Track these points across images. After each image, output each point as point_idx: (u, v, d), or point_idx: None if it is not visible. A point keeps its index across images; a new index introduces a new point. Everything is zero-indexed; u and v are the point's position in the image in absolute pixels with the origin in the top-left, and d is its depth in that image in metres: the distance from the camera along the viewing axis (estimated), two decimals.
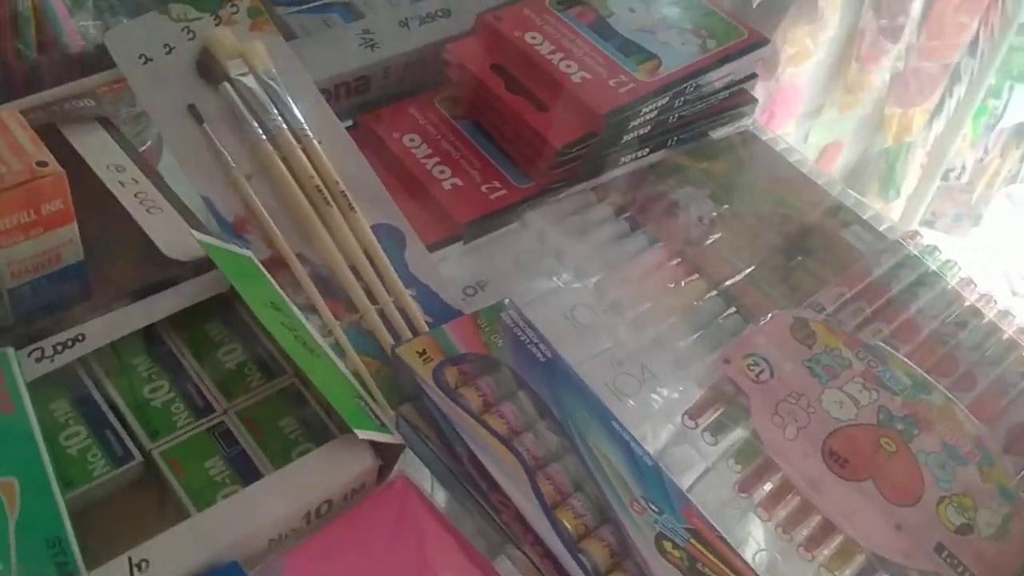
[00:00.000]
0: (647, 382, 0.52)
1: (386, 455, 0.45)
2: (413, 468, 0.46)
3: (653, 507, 0.43)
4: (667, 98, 0.61)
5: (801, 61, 1.26)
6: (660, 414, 0.51)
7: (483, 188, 0.60)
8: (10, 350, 0.43)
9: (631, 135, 0.62)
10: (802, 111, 1.38)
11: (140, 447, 0.45)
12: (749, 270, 0.58)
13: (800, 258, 0.60)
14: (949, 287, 0.59)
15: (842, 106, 1.43)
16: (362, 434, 0.42)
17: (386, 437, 0.43)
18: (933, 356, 0.55)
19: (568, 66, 0.61)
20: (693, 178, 0.63)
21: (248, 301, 0.46)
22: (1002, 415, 0.53)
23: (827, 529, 0.47)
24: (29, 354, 0.45)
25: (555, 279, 0.57)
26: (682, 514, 0.43)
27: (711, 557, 0.42)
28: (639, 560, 0.41)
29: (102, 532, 0.42)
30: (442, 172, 0.60)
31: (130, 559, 0.38)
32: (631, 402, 0.51)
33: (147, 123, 0.63)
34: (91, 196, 0.51)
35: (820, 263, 0.59)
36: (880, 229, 0.62)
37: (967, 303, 0.58)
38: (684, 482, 0.47)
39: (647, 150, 0.64)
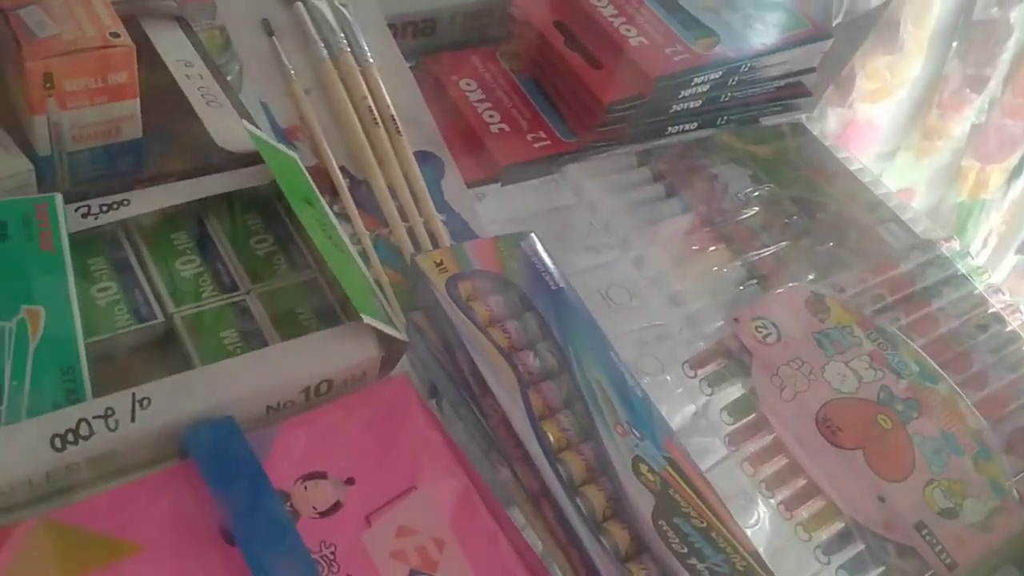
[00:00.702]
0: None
1: (390, 352, 0.46)
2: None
3: (635, 432, 0.44)
4: (720, 74, 0.62)
5: (880, 98, 1.26)
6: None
7: (528, 136, 0.62)
8: (59, 196, 0.46)
9: (680, 106, 0.63)
10: (878, 150, 1.37)
11: (164, 310, 0.47)
12: (777, 247, 0.59)
13: (831, 244, 0.60)
14: (976, 291, 0.58)
15: (918, 152, 1.41)
16: (368, 320, 0.44)
17: (391, 330, 0.45)
18: (948, 352, 0.55)
19: (627, 30, 0.62)
20: (737, 157, 0.64)
21: (287, 194, 0.48)
22: (1008, 417, 0.53)
23: (810, 491, 0.47)
24: (76, 209, 0.48)
25: (587, 231, 0.58)
26: (663, 444, 0.44)
27: (684, 486, 0.43)
28: (613, 477, 0.42)
29: (114, 377, 0.45)
30: (491, 117, 0.62)
31: (134, 395, 0.41)
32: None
33: (231, 56, 0.67)
34: (157, 83, 0.55)
35: (850, 252, 0.60)
36: (917, 231, 0.63)
37: (992, 309, 0.58)
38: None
39: (695, 125, 0.65)
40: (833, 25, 1.02)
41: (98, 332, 0.46)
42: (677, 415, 0.50)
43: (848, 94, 1.16)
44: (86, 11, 0.49)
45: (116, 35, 0.48)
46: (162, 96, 0.55)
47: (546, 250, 0.50)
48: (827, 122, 1.19)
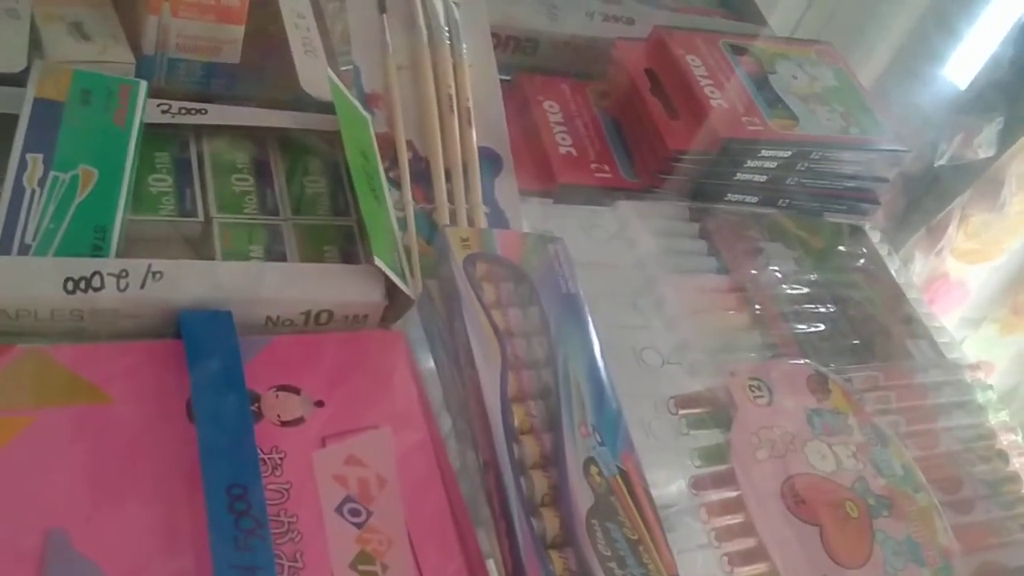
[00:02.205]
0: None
1: (396, 304, 0.48)
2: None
3: (598, 436, 0.45)
4: (790, 154, 0.64)
5: (976, 260, 1.24)
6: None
7: (592, 165, 0.64)
8: (143, 82, 0.50)
9: (745, 176, 0.64)
10: (963, 315, 1.34)
11: (206, 212, 0.51)
12: (800, 330, 0.59)
13: (855, 341, 0.60)
14: (987, 423, 0.57)
15: (1004, 326, 1.38)
16: (379, 263, 0.46)
17: (399, 281, 0.47)
18: (940, 471, 0.54)
19: (712, 92, 0.64)
20: (788, 239, 0.65)
21: (344, 141, 0.52)
22: (985, 551, 0.51)
23: (758, 554, 0.47)
24: (157, 104, 0.52)
25: (616, 258, 0.60)
26: (621, 456, 0.45)
27: (628, 498, 0.43)
28: (562, 468, 0.43)
29: (141, 254, 0.48)
30: (563, 139, 0.65)
31: (150, 266, 0.44)
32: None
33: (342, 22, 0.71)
34: (266, 21, 0.59)
35: (870, 353, 0.60)
36: (949, 356, 0.62)
37: (999, 445, 0.57)
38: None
39: (756, 199, 0.66)
40: (935, 165, 1.02)
41: (141, 212, 0.49)
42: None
43: (938, 241, 1.15)
44: None
45: None
46: (267, 34, 0.59)
47: (570, 260, 0.52)
48: (914, 264, 1.18)
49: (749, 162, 0.63)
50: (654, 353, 0.54)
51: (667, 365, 0.54)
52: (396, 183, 0.57)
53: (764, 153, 0.63)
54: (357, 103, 0.56)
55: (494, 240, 0.52)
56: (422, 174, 0.58)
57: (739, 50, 0.69)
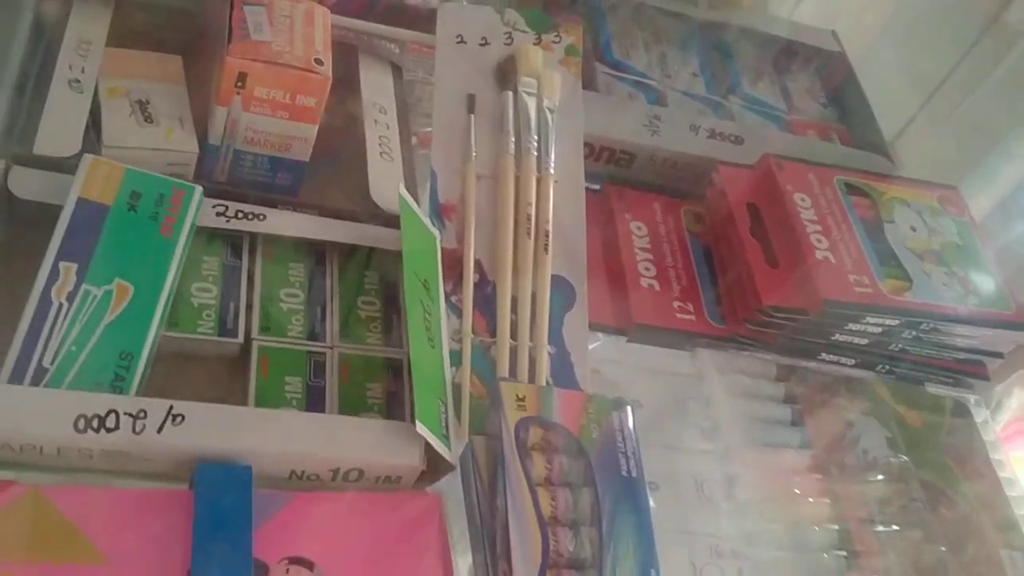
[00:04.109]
0: None
1: (435, 466, 0.44)
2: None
3: None
4: (898, 322, 0.57)
5: None
6: None
7: (675, 304, 0.58)
8: (199, 188, 0.46)
9: (844, 337, 0.58)
10: None
11: (247, 331, 0.47)
12: (885, 529, 0.53)
13: (943, 549, 0.53)
14: None
15: None
16: (421, 429, 0.42)
17: (442, 448, 0.43)
18: None
19: (819, 240, 0.58)
20: (882, 414, 0.58)
21: (404, 267, 0.47)
22: None
23: None
24: (214, 206, 0.48)
25: (690, 422, 0.54)
26: None
27: None
28: None
29: (169, 377, 0.44)
30: (647, 269, 0.59)
31: (171, 408, 0.40)
32: None
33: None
34: (344, 115, 0.55)
35: (959, 566, 0.53)
36: None
37: None
38: None
39: (852, 362, 0.60)
40: None
41: (177, 327, 0.46)
42: None
43: None
44: (305, 30, 0.50)
45: (320, 63, 0.49)
46: (343, 129, 0.55)
47: (636, 429, 0.47)
48: (1010, 400, 1.08)
49: (851, 325, 0.57)
50: (719, 549, 0.48)
51: (733, 558, 0.48)
52: (457, 309, 0.52)
53: (869, 318, 0.56)
54: (427, 221, 0.52)
55: (553, 401, 0.47)
56: (487, 300, 0.53)
57: (854, 189, 0.63)
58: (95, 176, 0.44)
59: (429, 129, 0.64)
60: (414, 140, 0.67)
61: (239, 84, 0.48)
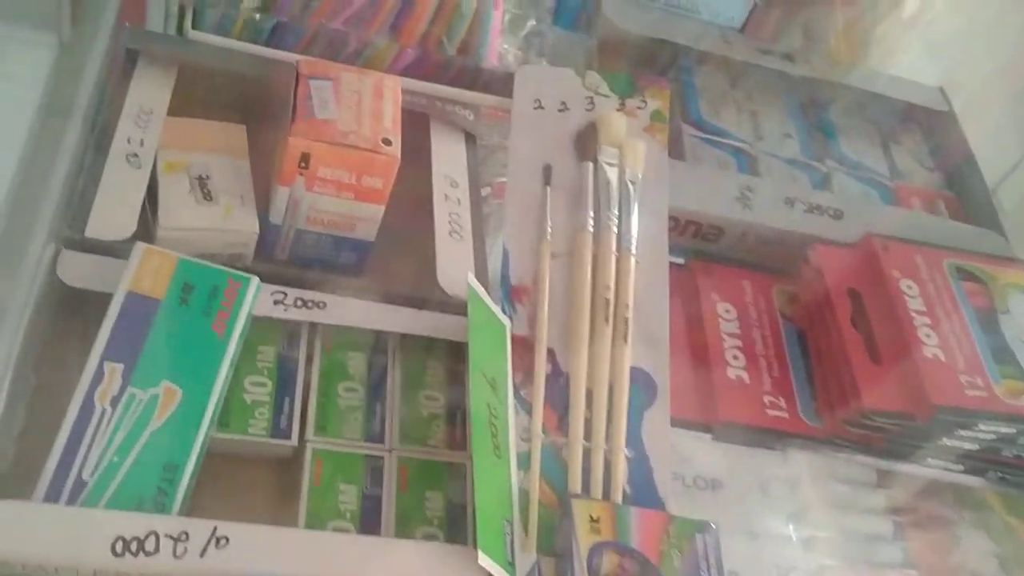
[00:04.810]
0: None
1: None
2: None
3: None
4: (1015, 430, 0.51)
5: None
6: None
7: (766, 398, 0.53)
8: (255, 281, 0.43)
9: (952, 442, 0.52)
10: None
11: (301, 432, 0.43)
12: None
13: None
14: None
15: None
16: (484, 561, 0.38)
17: None
18: None
19: (927, 335, 0.53)
20: (992, 527, 0.53)
21: (471, 366, 0.44)
22: None
23: None
24: (272, 293, 0.45)
25: (777, 528, 0.49)
26: None
27: None
28: None
29: (217, 482, 0.41)
30: (735, 358, 0.55)
31: (215, 529, 0.37)
32: None
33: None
34: (413, 190, 0.52)
35: None
36: None
37: None
38: None
39: (960, 468, 0.54)
40: None
41: (228, 428, 0.43)
42: None
43: None
44: (373, 105, 0.47)
45: (388, 142, 0.46)
46: (412, 205, 0.52)
47: (720, 561, 0.42)
48: None
49: (962, 431, 0.51)
50: None
51: None
52: (527, 404, 0.48)
53: (982, 426, 0.51)
54: (497, 310, 0.48)
55: (631, 522, 0.42)
56: (559, 393, 0.49)
57: (966, 274, 0.57)
58: (147, 267, 0.42)
59: (503, 179, 0.61)
60: (488, 191, 0.64)
61: (302, 164, 0.45)
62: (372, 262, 0.51)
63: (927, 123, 0.73)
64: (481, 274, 0.50)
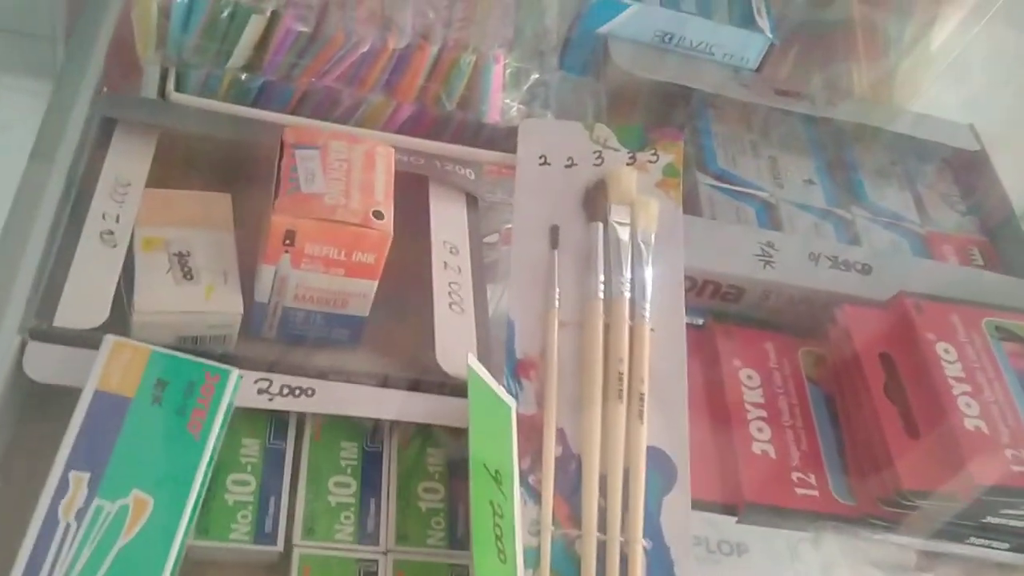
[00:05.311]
0: None
1: None
2: None
3: None
4: None
5: None
6: None
7: (794, 475, 0.50)
8: (235, 373, 0.40)
9: (997, 520, 0.48)
10: None
11: (288, 535, 0.40)
12: None
13: None
14: None
15: None
16: None
17: None
18: None
19: (967, 405, 0.49)
20: None
21: (472, 459, 0.40)
22: None
23: None
24: (256, 381, 0.42)
25: None
26: None
27: None
28: None
29: None
30: (759, 430, 0.51)
31: None
32: None
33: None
34: (410, 258, 0.48)
35: None
36: None
37: None
38: None
39: (1006, 546, 0.50)
40: None
41: (207, 534, 0.39)
42: None
43: None
44: (364, 176, 0.43)
45: (380, 215, 0.42)
46: (408, 275, 0.48)
47: None
48: None
49: (1007, 511, 0.47)
50: None
51: None
52: (535, 493, 0.45)
53: None
54: (500, 391, 0.44)
55: None
56: (571, 480, 0.45)
57: (1007, 334, 0.53)
58: (116, 362, 0.38)
59: (510, 226, 0.57)
60: (495, 237, 0.60)
61: (287, 242, 0.42)
62: (367, 336, 0.47)
63: (957, 163, 0.69)
64: (484, 350, 0.47)
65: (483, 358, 0.47)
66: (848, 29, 0.68)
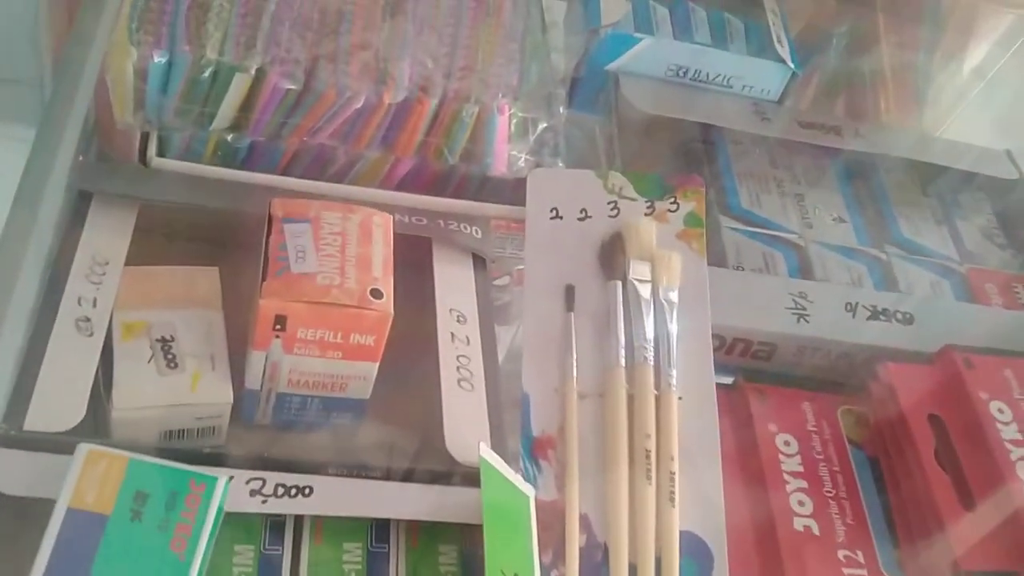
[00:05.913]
0: None
1: None
2: None
3: None
4: None
5: None
6: None
7: (841, 554, 0.45)
8: (223, 480, 0.36)
9: None
10: None
11: None
12: None
13: None
14: None
15: None
16: None
17: None
18: None
19: None
20: None
21: (488, 563, 0.36)
22: None
23: None
24: (248, 481, 0.38)
25: None
26: None
27: None
28: None
29: None
30: (800, 503, 0.47)
31: None
32: None
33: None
34: (415, 328, 0.44)
35: None
36: None
37: None
38: None
39: None
40: None
41: None
42: None
43: None
44: (360, 250, 0.40)
45: (378, 294, 0.39)
46: (412, 347, 0.45)
47: None
48: None
49: None
50: None
51: None
52: None
53: None
54: (515, 479, 0.41)
55: None
56: (597, 570, 0.42)
57: None
58: (91, 475, 0.35)
59: (521, 267, 0.54)
60: (507, 280, 0.57)
61: (278, 327, 0.38)
62: (368, 417, 0.44)
63: (994, 192, 0.65)
64: (497, 432, 0.43)
65: (496, 441, 0.43)
66: (875, 61, 0.64)
